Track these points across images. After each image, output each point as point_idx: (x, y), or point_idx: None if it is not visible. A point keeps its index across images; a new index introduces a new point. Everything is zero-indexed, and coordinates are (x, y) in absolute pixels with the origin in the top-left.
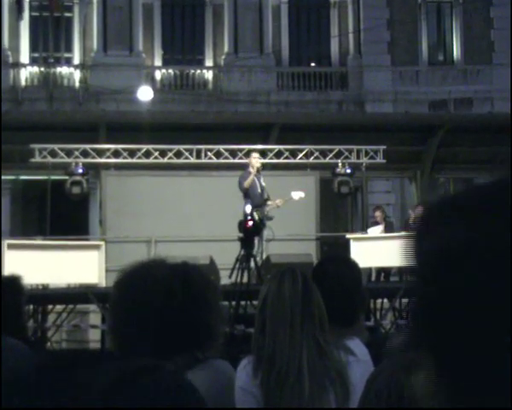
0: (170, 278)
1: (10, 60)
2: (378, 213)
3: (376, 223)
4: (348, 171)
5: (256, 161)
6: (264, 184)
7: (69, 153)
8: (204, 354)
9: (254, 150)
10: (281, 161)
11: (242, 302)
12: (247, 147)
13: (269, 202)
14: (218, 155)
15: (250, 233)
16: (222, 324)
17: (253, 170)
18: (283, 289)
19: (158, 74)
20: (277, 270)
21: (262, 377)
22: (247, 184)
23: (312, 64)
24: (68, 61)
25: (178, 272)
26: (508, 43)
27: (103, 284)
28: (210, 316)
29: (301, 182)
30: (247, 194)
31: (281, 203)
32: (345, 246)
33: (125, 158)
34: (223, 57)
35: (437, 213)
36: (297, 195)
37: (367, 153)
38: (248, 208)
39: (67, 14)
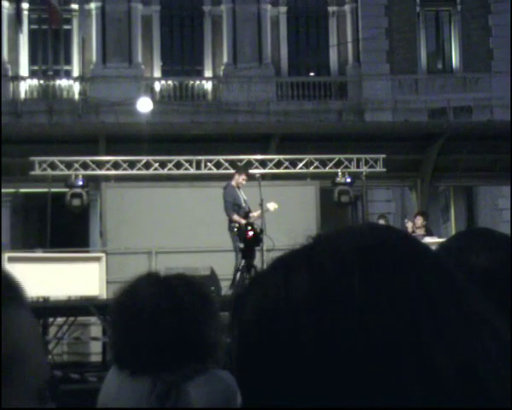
0: (155, 296)
1: (10, 73)
2: (382, 222)
3: None
4: (348, 180)
5: (243, 182)
6: (246, 197)
7: (69, 165)
8: (205, 364)
9: (245, 170)
10: (281, 171)
11: None
12: (246, 157)
13: (250, 215)
14: (217, 165)
15: (251, 243)
16: (221, 335)
17: (235, 184)
18: None
19: (157, 85)
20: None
21: None
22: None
23: (311, 74)
24: (67, 74)
25: (166, 286)
26: (507, 50)
27: (104, 295)
28: (211, 328)
29: (301, 192)
30: (234, 208)
31: (258, 215)
32: None
33: (124, 170)
34: (222, 68)
35: (250, 282)
36: (272, 206)
37: (367, 162)
38: (236, 217)
39: (66, 27)
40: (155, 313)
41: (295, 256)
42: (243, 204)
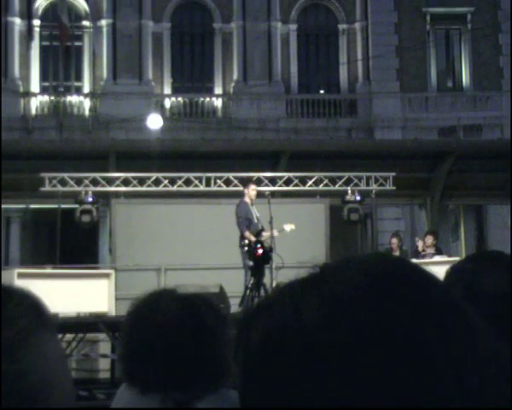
0: (178, 313)
1: (21, 89)
2: (395, 241)
3: (391, 250)
4: (358, 198)
5: (254, 193)
6: (258, 214)
7: (79, 181)
8: (216, 384)
9: (251, 181)
10: (290, 188)
11: None
12: (256, 174)
13: (263, 233)
14: (227, 182)
15: (260, 261)
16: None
17: (248, 200)
18: None
19: (167, 102)
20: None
21: None
22: (247, 236)
23: (321, 91)
24: (78, 90)
25: (188, 306)
26: None
27: (113, 312)
28: (222, 347)
29: (311, 209)
30: (246, 224)
31: (269, 236)
32: None
33: (134, 186)
34: (232, 85)
35: (256, 307)
36: (288, 227)
37: (376, 180)
38: (247, 234)
39: (77, 44)
40: (174, 330)
41: (304, 284)
42: (255, 220)
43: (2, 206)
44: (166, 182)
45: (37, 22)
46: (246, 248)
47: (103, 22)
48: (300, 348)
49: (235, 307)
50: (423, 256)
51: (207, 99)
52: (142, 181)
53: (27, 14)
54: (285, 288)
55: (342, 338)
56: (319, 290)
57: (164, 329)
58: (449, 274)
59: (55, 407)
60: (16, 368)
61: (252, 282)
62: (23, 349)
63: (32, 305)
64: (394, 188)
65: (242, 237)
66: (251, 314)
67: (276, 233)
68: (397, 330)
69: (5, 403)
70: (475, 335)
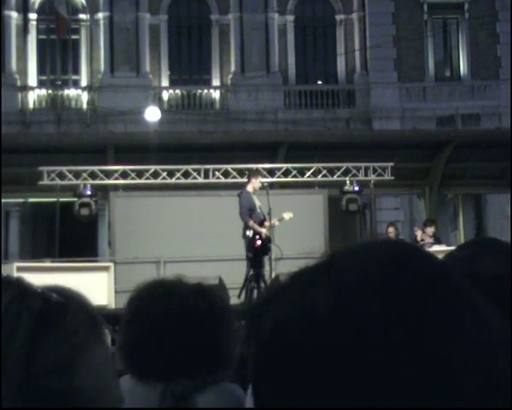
0: (192, 297)
1: (18, 83)
2: (391, 230)
3: None
4: (356, 188)
5: (259, 185)
6: (260, 204)
7: (77, 175)
8: (216, 376)
9: (259, 173)
10: (289, 179)
11: None
12: (254, 166)
13: (265, 223)
14: (225, 174)
15: (259, 252)
16: (236, 346)
17: (251, 190)
18: None
19: (165, 95)
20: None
21: None
22: (251, 225)
23: (319, 82)
24: (76, 84)
25: (199, 292)
26: None
27: (113, 305)
28: (224, 338)
29: (309, 200)
30: (250, 213)
31: (277, 223)
32: None
33: (133, 179)
34: (230, 77)
35: (269, 293)
36: (287, 215)
37: (375, 170)
38: (252, 223)
39: (74, 37)
40: (176, 317)
41: (314, 273)
42: (258, 210)
43: (2, 200)
44: (165, 174)
45: (33, 16)
46: (250, 236)
47: (100, 15)
48: (311, 338)
49: (234, 298)
50: (422, 246)
51: (205, 91)
52: (140, 174)
53: (23, 8)
54: (295, 276)
55: (352, 328)
56: (329, 280)
57: (172, 315)
58: (457, 272)
59: None
60: (70, 386)
61: (251, 273)
62: (78, 365)
63: (89, 318)
64: (393, 178)
65: (246, 228)
66: (263, 302)
67: (276, 223)
68: (408, 316)
69: None
70: (488, 324)
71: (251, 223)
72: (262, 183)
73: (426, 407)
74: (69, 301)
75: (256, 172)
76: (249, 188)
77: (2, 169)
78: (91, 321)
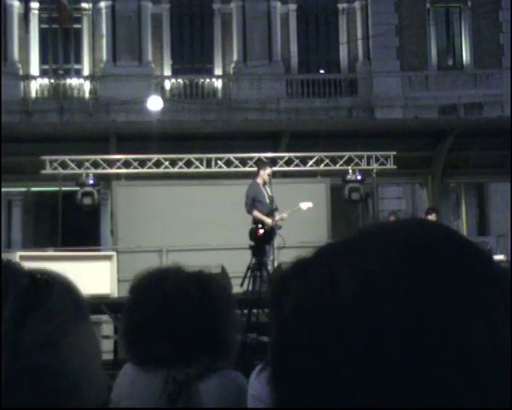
0: (186, 284)
1: (20, 72)
2: (393, 219)
3: None
4: (359, 177)
5: (269, 175)
6: (271, 193)
7: (80, 164)
8: (217, 363)
9: (267, 164)
10: (291, 168)
11: (254, 310)
12: (257, 155)
13: (276, 213)
14: (228, 163)
15: (261, 241)
16: (237, 334)
17: (260, 181)
18: None
19: (167, 84)
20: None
21: None
22: (254, 215)
23: (321, 71)
24: (78, 73)
25: (195, 279)
26: None
27: (115, 294)
28: (225, 325)
29: (312, 189)
30: (255, 204)
31: (286, 216)
32: None
33: (135, 168)
34: (232, 66)
35: (293, 270)
36: (305, 205)
37: (377, 159)
38: (257, 213)
39: (76, 26)
40: (178, 303)
41: (339, 250)
42: (266, 201)
43: (4, 189)
44: (167, 163)
45: (35, 5)
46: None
47: (102, 4)
48: (333, 317)
49: (236, 287)
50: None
51: (207, 80)
52: (142, 163)
53: None
54: (322, 251)
55: (374, 310)
56: (354, 256)
57: (167, 302)
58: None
59: (90, 402)
60: (54, 364)
61: (253, 262)
62: (62, 344)
63: (74, 298)
64: (395, 167)
65: (254, 218)
66: (287, 276)
67: (284, 215)
68: (430, 298)
69: (41, 399)
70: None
71: (254, 213)
72: (271, 174)
73: (450, 392)
74: (55, 282)
75: (264, 164)
76: (258, 179)
77: (4, 158)
78: (76, 302)
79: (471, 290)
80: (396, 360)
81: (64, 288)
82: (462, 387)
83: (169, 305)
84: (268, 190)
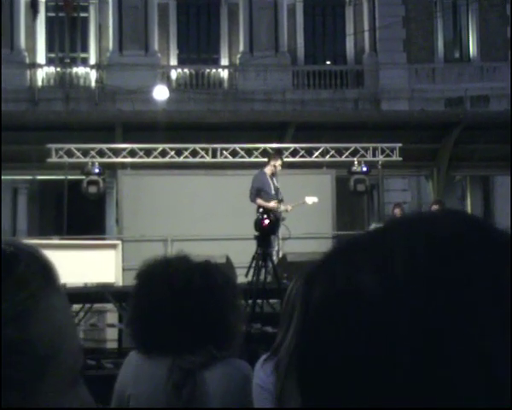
0: (191, 273)
1: (27, 60)
2: (398, 211)
3: None
4: (364, 169)
5: (279, 168)
6: (278, 185)
7: (85, 153)
8: (222, 352)
9: (278, 155)
10: (296, 159)
11: (259, 301)
12: (262, 145)
13: (281, 205)
14: (233, 153)
15: (266, 232)
16: (241, 323)
17: (268, 172)
18: None
19: (173, 74)
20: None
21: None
22: (258, 202)
23: (328, 62)
24: (84, 62)
25: (200, 268)
26: None
27: (120, 282)
28: (230, 314)
29: (317, 180)
30: (260, 194)
31: (291, 208)
32: None
33: (141, 157)
34: (238, 56)
35: (322, 263)
36: (311, 200)
37: (383, 151)
38: (260, 201)
39: (83, 15)
40: (184, 291)
41: (364, 242)
42: (272, 192)
43: (10, 177)
44: (173, 153)
45: None
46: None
47: None
48: (357, 311)
49: (241, 277)
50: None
51: (213, 70)
52: (148, 152)
53: None
54: (345, 244)
55: (397, 306)
56: (378, 249)
57: (173, 290)
58: None
59: (67, 370)
60: (25, 337)
61: (258, 252)
62: (33, 315)
63: (42, 267)
64: (401, 159)
65: (258, 207)
66: (315, 269)
67: (289, 207)
68: (452, 296)
69: (13, 374)
70: None
71: (258, 200)
72: (282, 165)
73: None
74: (21, 252)
75: (276, 155)
76: (266, 169)
77: (10, 147)
78: (45, 271)
79: (493, 285)
80: (416, 353)
81: (31, 257)
82: (476, 388)
83: (174, 293)
84: (275, 181)
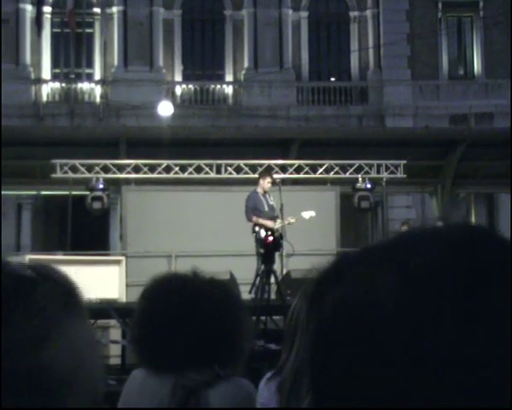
0: (204, 288)
1: (32, 76)
2: (405, 229)
3: None
4: (368, 186)
5: (269, 185)
6: (272, 202)
7: (90, 168)
8: (226, 370)
9: (267, 173)
10: (301, 176)
11: (262, 318)
12: (267, 162)
13: (278, 221)
14: (238, 170)
15: (270, 248)
16: (248, 341)
17: (260, 190)
18: None
19: (178, 89)
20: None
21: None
22: (254, 220)
23: (332, 79)
24: (89, 77)
25: (205, 285)
26: None
27: (124, 299)
28: (237, 332)
29: (321, 197)
30: (254, 212)
31: (294, 221)
32: None
33: (145, 173)
34: (243, 72)
35: (332, 273)
36: (308, 214)
37: (387, 168)
38: (255, 218)
39: (88, 30)
40: (189, 309)
41: (379, 255)
42: (266, 209)
43: (14, 192)
44: (177, 169)
45: (48, 9)
46: (255, 233)
47: (114, 9)
48: (374, 323)
49: (245, 294)
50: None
51: (218, 86)
52: (152, 168)
53: (37, 1)
54: (359, 256)
55: (417, 316)
56: (394, 264)
57: (179, 307)
58: None
59: (85, 396)
60: (37, 364)
61: (262, 269)
62: (47, 341)
63: (63, 293)
64: (405, 176)
65: (254, 225)
66: (324, 283)
67: (291, 220)
68: (474, 307)
69: (30, 399)
70: None
71: (253, 218)
72: (273, 181)
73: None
74: (41, 277)
75: (264, 173)
76: (258, 188)
77: (15, 162)
78: (66, 295)
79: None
80: (438, 363)
81: (52, 282)
82: (494, 395)
83: (189, 309)
84: (268, 199)
